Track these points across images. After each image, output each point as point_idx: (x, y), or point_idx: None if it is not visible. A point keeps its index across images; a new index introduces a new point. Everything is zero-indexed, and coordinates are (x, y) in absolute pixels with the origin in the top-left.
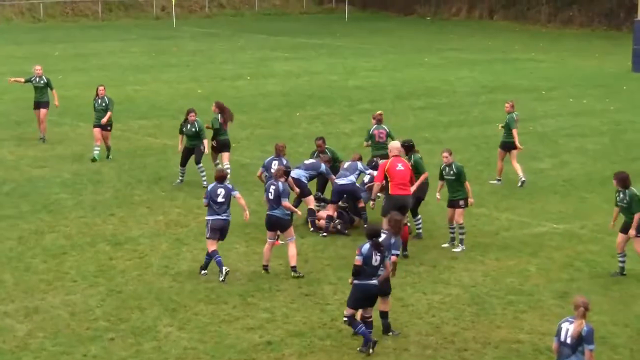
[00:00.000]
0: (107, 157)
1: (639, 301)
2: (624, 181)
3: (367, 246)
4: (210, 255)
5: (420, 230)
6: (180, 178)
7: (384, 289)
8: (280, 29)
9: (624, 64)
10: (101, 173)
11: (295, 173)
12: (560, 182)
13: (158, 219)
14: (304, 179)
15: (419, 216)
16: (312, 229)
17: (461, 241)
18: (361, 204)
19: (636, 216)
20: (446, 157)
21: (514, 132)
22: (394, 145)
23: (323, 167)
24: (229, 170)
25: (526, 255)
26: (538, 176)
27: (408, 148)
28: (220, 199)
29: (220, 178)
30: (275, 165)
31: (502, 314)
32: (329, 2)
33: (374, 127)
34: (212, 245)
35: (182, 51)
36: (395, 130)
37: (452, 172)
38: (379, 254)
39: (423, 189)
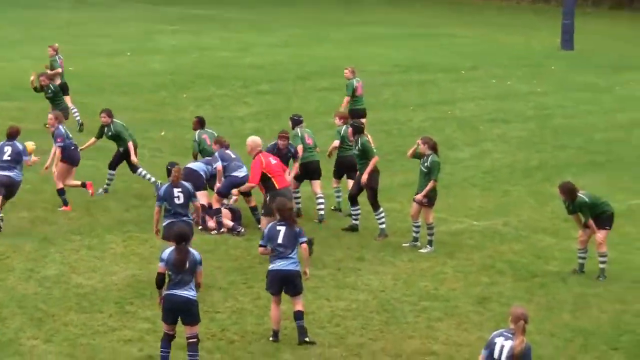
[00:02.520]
0: None
1: (566, 307)
2: (570, 193)
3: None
4: None
5: (384, 226)
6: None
7: (297, 288)
8: None
9: (553, 41)
10: None
11: (195, 165)
12: (480, 173)
13: (21, 215)
14: (202, 173)
15: (381, 209)
16: (201, 227)
17: (430, 242)
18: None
19: (589, 223)
20: (422, 145)
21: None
22: (256, 141)
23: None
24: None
25: (442, 255)
26: (456, 167)
27: (356, 129)
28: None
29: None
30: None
31: (414, 322)
32: None
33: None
34: None
35: (55, 22)
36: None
37: (426, 164)
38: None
39: (375, 177)
